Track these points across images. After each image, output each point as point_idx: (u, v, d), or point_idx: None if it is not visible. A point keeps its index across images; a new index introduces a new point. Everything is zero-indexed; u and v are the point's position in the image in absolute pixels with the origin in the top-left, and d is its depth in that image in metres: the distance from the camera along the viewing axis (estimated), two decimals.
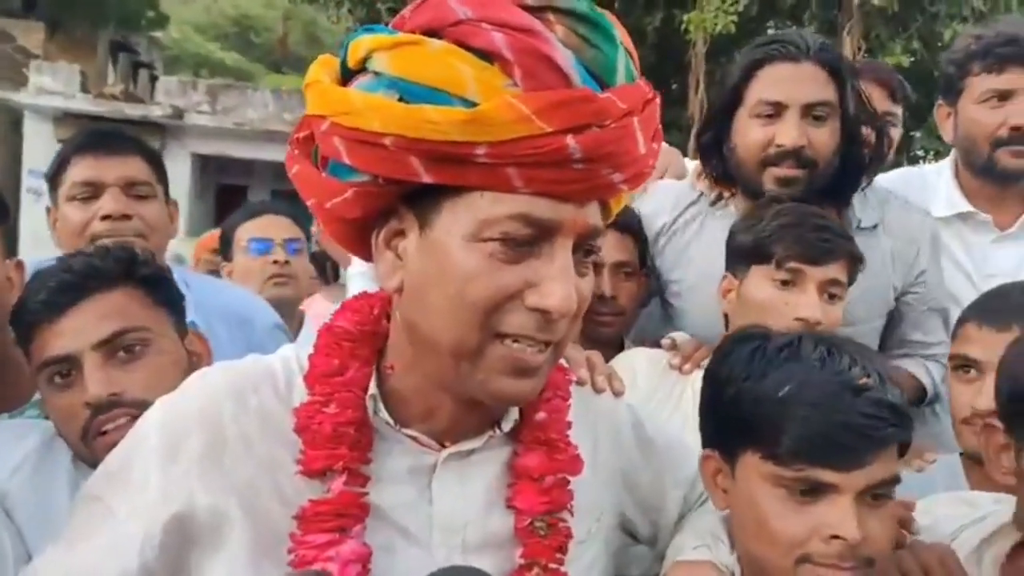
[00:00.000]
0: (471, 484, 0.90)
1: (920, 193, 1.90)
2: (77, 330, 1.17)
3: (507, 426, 0.92)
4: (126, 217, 1.68)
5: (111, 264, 1.23)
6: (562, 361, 0.99)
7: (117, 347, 1.18)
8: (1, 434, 1.24)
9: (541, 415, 0.92)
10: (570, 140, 0.73)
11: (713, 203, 1.72)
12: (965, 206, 1.91)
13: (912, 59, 8.60)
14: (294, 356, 0.92)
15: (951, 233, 1.90)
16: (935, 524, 1.10)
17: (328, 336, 0.90)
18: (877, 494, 0.96)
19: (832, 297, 1.41)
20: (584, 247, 0.81)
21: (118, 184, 1.70)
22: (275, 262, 2.46)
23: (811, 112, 1.52)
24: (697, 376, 1.51)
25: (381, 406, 0.88)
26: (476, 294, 0.77)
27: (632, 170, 0.79)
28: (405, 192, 0.80)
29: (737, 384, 1.01)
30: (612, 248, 1.78)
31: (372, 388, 0.88)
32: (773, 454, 0.97)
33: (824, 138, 1.53)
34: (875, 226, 1.65)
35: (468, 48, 0.75)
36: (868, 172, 1.63)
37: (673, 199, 1.81)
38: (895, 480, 0.98)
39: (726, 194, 1.69)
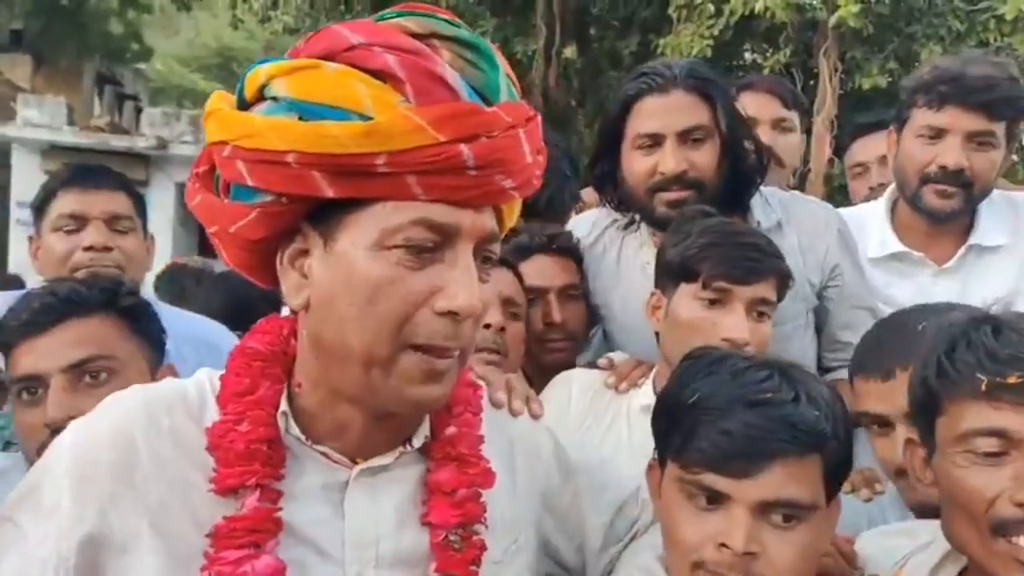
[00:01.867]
0: (383, 501, 0.91)
1: (856, 233, 1.88)
2: (50, 351, 1.23)
3: (418, 442, 0.93)
4: (107, 249, 1.78)
5: (95, 292, 1.29)
6: (477, 379, 1.03)
7: (84, 372, 1.24)
8: None
9: (451, 430, 0.95)
10: (464, 148, 0.79)
11: (626, 227, 1.77)
12: (897, 246, 1.90)
13: (889, 80, 8.71)
14: (207, 378, 0.94)
15: (888, 273, 1.90)
16: (878, 555, 1.11)
17: (239, 357, 0.92)
18: (786, 514, 0.96)
19: (761, 315, 1.41)
20: (483, 253, 0.86)
21: (102, 218, 1.81)
22: None
23: (688, 137, 1.59)
24: (635, 396, 1.52)
25: (292, 423, 0.90)
26: (385, 302, 0.80)
27: (521, 177, 0.85)
28: (308, 211, 0.83)
29: (666, 395, 1.08)
30: (555, 272, 1.78)
31: (283, 405, 0.89)
32: (680, 460, 1.01)
33: (705, 158, 1.60)
34: (778, 224, 1.69)
35: (362, 69, 0.80)
36: (755, 180, 1.68)
37: (591, 223, 1.86)
38: (807, 504, 0.97)
39: (637, 217, 1.74)
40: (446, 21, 0.85)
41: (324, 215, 0.82)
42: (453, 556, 0.91)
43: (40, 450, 1.17)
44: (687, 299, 1.43)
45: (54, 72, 16.38)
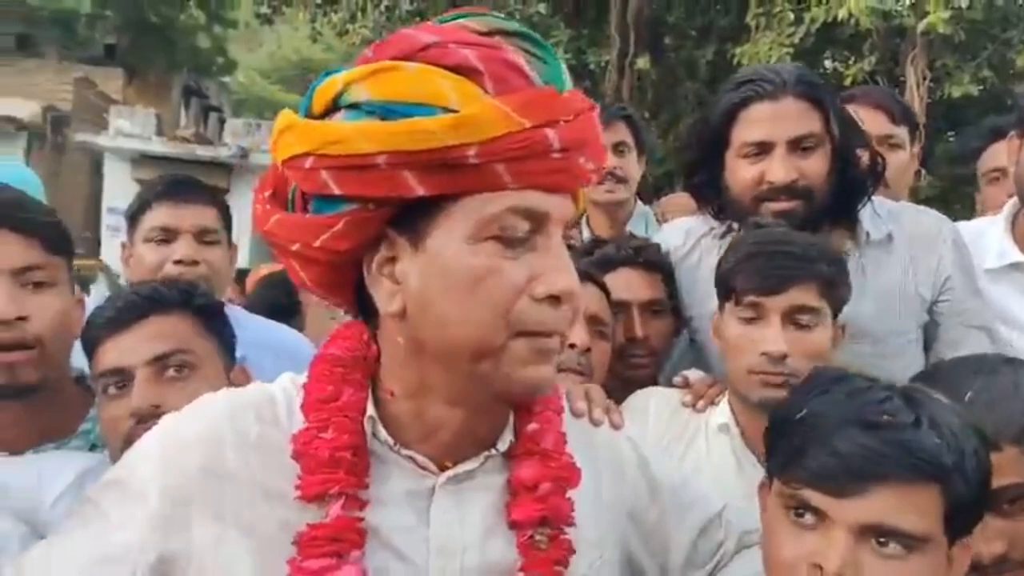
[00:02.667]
0: (469, 508, 0.90)
1: (972, 246, 1.77)
2: (134, 346, 1.29)
3: (503, 445, 0.92)
4: (195, 263, 1.88)
5: (173, 292, 1.36)
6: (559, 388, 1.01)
7: (167, 365, 1.29)
8: (45, 465, 1.31)
9: (533, 426, 0.93)
10: (549, 132, 0.79)
11: (723, 235, 1.70)
12: (1017, 256, 1.82)
13: (981, 88, 8.35)
14: (292, 384, 0.94)
15: (1006, 285, 1.81)
16: None
17: (321, 364, 0.92)
18: (892, 543, 0.90)
19: (802, 325, 1.34)
20: (567, 240, 0.86)
21: (191, 231, 1.90)
22: None
23: (798, 146, 1.53)
24: (713, 415, 1.47)
25: (380, 427, 0.89)
26: (488, 293, 0.80)
27: (599, 159, 0.86)
28: (393, 217, 0.83)
29: (779, 411, 1.03)
30: (639, 286, 1.73)
31: (370, 410, 0.89)
32: (784, 476, 0.97)
33: (815, 167, 1.53)
34: (888, 236, 1.61)
35: (441, 66, 0.80)
36: (867, 191, 1.60)
37: (684, 232, 1.81)
38: (916, 535, 0.90)
39: (736, 225, 1.67)
40: (504, 18, 0.86)
41: (410, 219, 0.82)
42: (539, 555, 0.88)
43: (125, 443, 1.21)
44: (729, 318, 1.40)
45: (144, 84, 17.13)
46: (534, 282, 0.81)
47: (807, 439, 0.95)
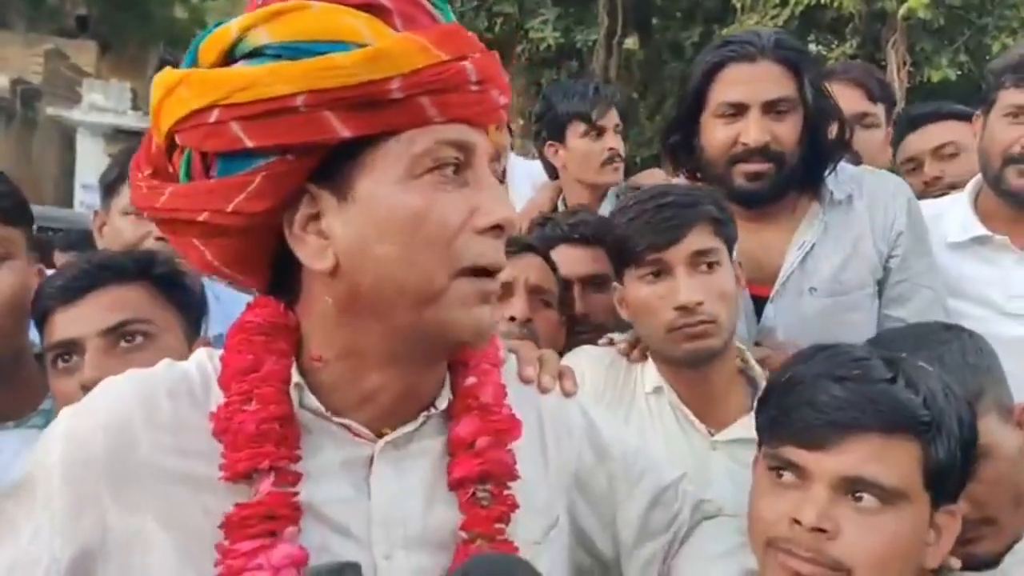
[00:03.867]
0: (410, 475, 0.85)
1: (934, 222, 1.83)
2: (85, 317, 1.22)
3: (442, 403, 0.88)
4: None
5: (129, 261, 1.29)
6: (506, 350, 1.00)
7: (120, 336, 1.22)
8: (7, 444, 1.27)
9: (471, 380, 0.90)
10: (466, 64, 0.78)
11: None
12: (980, 229, 1.86)
13: (959, 73, 8.47)
14: (207, 359, 0.87)
15: (969, 258, 1.85)
16: None
17: (239, 333, 0.85)
18: (868, 495, 0.91)
19: (708, 266, 1.34)
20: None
21: None
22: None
23: (773, 108, 1.56)
24: (644, 378, 1.45)
25: (309, 395, 0.83)
26: (429, 230, 0.77)
27: (507, 95, 0.85)
28: (313, 171, 0.78)
29: (768, 381, 1.07)
30: (577, 262, 1.71)
31: (296, 377, 0.83)
32: (766, 437, 1.00)
33: (787, 131, 1.57)
34: (848, 197, 1.66)
35: (347, 5, 0.78)
36: (833, 158, 1.65)
37: None
38: (893, 488, 0.91)
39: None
40: None
41: (330, 170, 0.78)
42: (480, 513, 0.84)
43: None
44: (633, 283, 1.39)
45: (119, 57, 16.78)
46: (474, 215, 0.79)
47: (787, 399, 0.97)
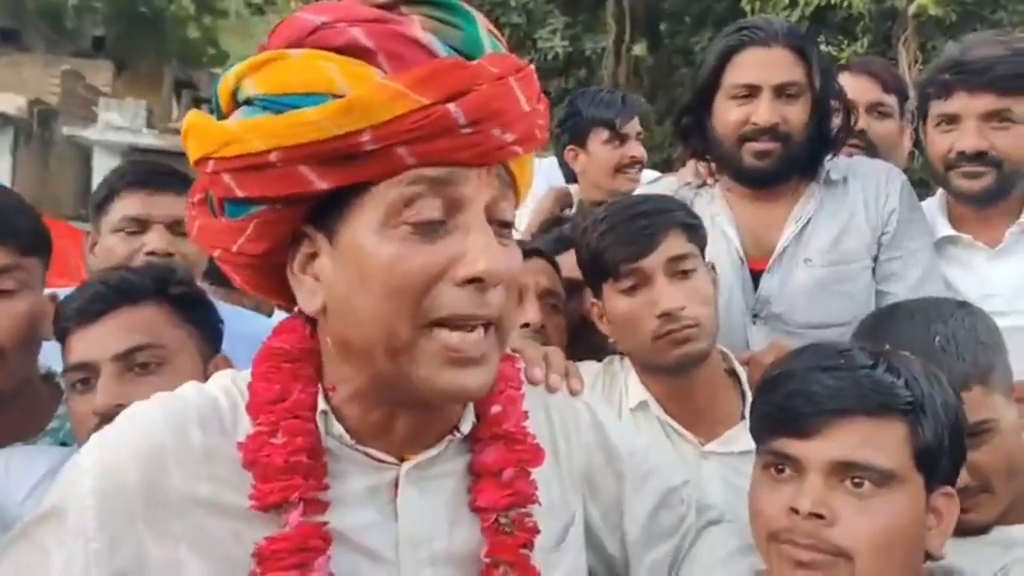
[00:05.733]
0: (435, 496, 0.86)
1: None
2: (100, 340, 1.22)
3: (466, 428, 0.87)
4: (169, 255, 1.74)
5: (146, 280, 1.28)
6: (513, 354, 0.99)
7: (133, 361, 1.22)
8: (15, 460, 1.27)
9: (496, 408, 0.89)
10: (451, 106, 0.73)
11: (698, 187, 1.82)
12: (948, 230, 1.87)
13: None
14: (233, 383, 0.86)
15: (943, 259, 1.86)
16: (975, 563, 1.04)
17: (266, 360, 0.85)
18: (862, 479, 0.92)
19: (683, 273, 1.35)
20: (497, 219, 0.79)
21: (165, 222, 1.76)
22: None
23: (783, 91, 1.65)
24: (625, 396, 1.45)
25: (335, 422, 0.83)
26: (400, 279, 0.74)
27: (520, 128, 0.78)
28: (307, 213, 0.78)
29: (761, 382, 1.06)
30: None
31: (322, 404, 0.83)
32: (757, 434, 1.00)
33: (796, 114, 1.65)
34: (844, 179, 1.75)
35: (330, 49, 0.75)
36: (837, 144, 1.74)
37: (661, 188, 1.88)
38: (885, 470, 0.92)
39: (709, 181, 1.81)
40: None
41: (324, 213, 0.77)
42: (504, 541, 0.85)
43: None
44: (612, 297, 1.39)
45: (134, 77, 16.99)
46: (454, 266, 0.75)
47: (776, 394, 0.98)
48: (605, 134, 2.43)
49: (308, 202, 0.77)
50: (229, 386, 0.86)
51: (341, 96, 0.73)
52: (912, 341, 1.10)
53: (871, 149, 2.16)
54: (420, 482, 0.85)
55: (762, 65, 1.65)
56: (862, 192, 1.73)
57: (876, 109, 2.29)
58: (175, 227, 1.77)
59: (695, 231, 1.39)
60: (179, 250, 1.76)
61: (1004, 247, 1.81)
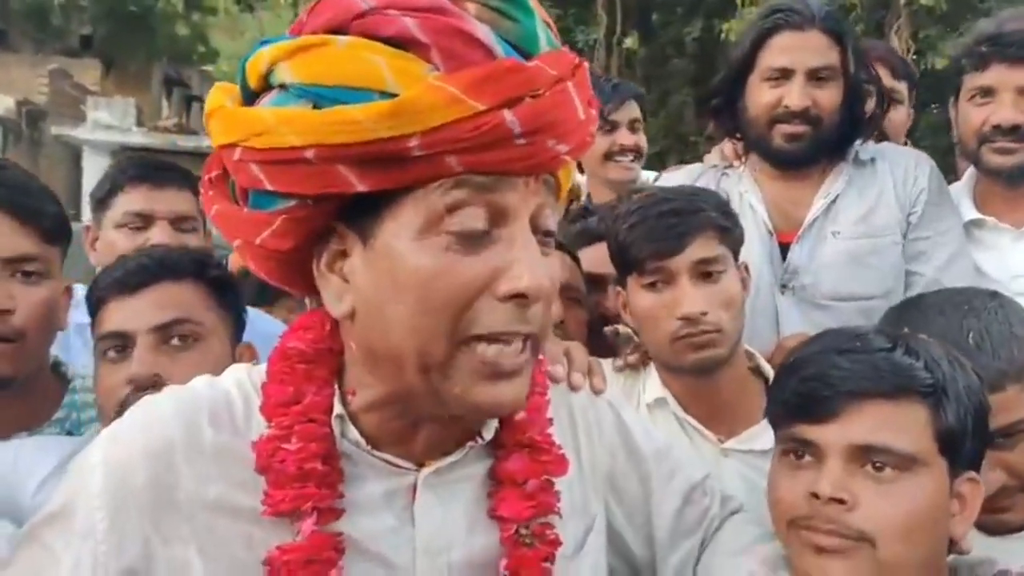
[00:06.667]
0: (453, 502, 0.83)
1: None
2: (138, 311, 1.23)
3: (488, 434, 0.84)
4: None
5: (187, 260, 1.30)
6: None
7: (170, 335, 1.23)
8: (24, 452, 1.26)
9: (521, 415, 0.84)
10: (507, 115, 0.67)
11: (724, 169, 1.84)
12: (973, 213, 1.87)
13: None
14: (248, 379, 0.83)
15: (970, 243, 1.85)
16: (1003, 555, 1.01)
17: (280, 360, 0.81)
18: (883, 462, 0.90)
19: (708, 275, 1.31)
20: (541, 228, 0.75)
21: (168, 218, 1.77)
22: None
23: (816, 75, 1.66)
24: (644, 391, 1.43)
25: (351, 426, 0.80)
26: (441, 294, 0.70)
27: (575, 138, 0.73)
28: (340, 209, 0.73)
29: (779, 369, 1.05)
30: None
31: (338, 408, 0.80)
32: (775, 419, 0.99)
33: (828, 98, 1.66)
34: (872, 159, 1.76)
35: (378, 39, 0.69)
36: (868, 127, 1.75)
37: (685, 175, 1.90)
38: (906, 453, 0.89)
39: (736, 163, 1.84)
40: None
41: (359, 210, 0.72)
42: (525, 553, 0.82)
43: (119, 411, 1.14)
44: (636, 290, 1.36)
45: (123, 75, 16.90)
46: (497, 280, 0.70)
47: (793, 379, 0.97)
48: None
49: (342, 199, 0.71)
50: (244, 380, 0.83)
51: (389, 94, 0.67)
52: (943, 337, 1.06)
53: (882, 136, 2.17)
54: (438, 487, 0.82)
55: (796, 48, 1.65)
56: (891, 174, 1.73)
57: (890, 95, 2.21)
58: (178, 223, 1.79)
59: (727, 232, 1.35)
60: (181, 244, 1.74)
61: None
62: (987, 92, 1.75)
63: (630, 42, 7.97)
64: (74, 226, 1.51)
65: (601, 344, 1.65)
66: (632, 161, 2.43)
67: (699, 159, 2.07)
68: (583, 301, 1.63)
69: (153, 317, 1.23)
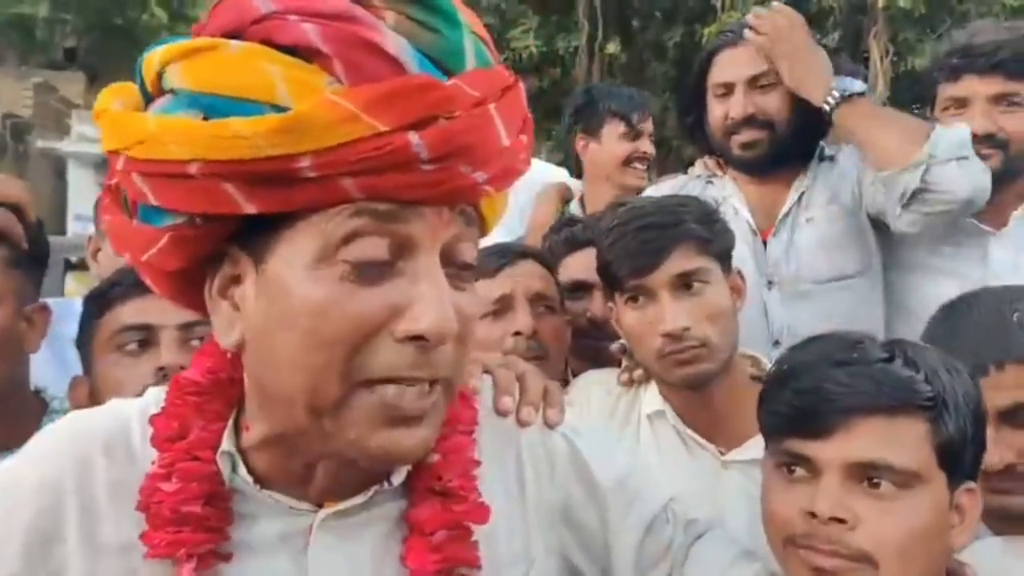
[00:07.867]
0: (356, 545, 0.76)
1: None
2: (165, 308, 1.23)
3: (397, 479, 0.77)
4: None
5: None
6: (479, 377, 0.88)
7: (193, 334, 1.27)
8: None
9: (435, 457, 0.77)
10: (413, 137, 0.61)
11: (708, 179, 1.97)
12: None
13: None
14: (155, 403, 0.77)
15: (950, 244, 1.88)
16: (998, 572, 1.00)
17: (173, 390, 0.76)
18: (883, 479, 0.88)
19: (692, 291, 1.28)
20: (456, 261, 0.68)
21: None
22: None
23: (756, 83, 1.79)
24: (644, 403, 1.42)
25: (241, 466, 0.74)
26: (331, 327, 0.63)
27: (497, 166, 0.66)
28: (232, 231, 0.67)
29: (768, 376, 1.03)
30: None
31: (226, 444, 0.74)
32: (767, 432, 0.97)
33: (772, 102, 1.79)
34: (833, 158, 1.89)
35: (276, 46, 0.63)
36: (825, 129, 1.84)
37: (669, 187, 2.02)
38: (906, 469, 0.87)
39: (719, 173, 1.97)
40: None
41: (253, 232, 0.66)
42: None
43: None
44: (622, 308, 1.35)
45: (107, 87, 16.78)
46: (396, 318, 0.64)
47: (786, 390, 0.94)
48: (621, 127, 2.49)
49: (234, 220, 0.65)
50: (149, 404, 0.78)
51: (281, 108, 0.61)
52: (988, 322, 1.08)
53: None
54: (340, 530, 0.75)
55: (733, 63, 1.81)
56: (852, 163, 1.84)
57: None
58: None
59: (709, 242, 1.31)
60: None
61: (1008, 231, 1.82)
62: (960, 103, 1.80)
63: (611, 48, 8.02)
64: (59, 240, 1.52)
65: (587, 350, 1.66)
66: (644, 170, 2.55)
67: (681, 163, 2.18)
68: (558, 309, 1.61)
69: (179, 316, 1.25)
